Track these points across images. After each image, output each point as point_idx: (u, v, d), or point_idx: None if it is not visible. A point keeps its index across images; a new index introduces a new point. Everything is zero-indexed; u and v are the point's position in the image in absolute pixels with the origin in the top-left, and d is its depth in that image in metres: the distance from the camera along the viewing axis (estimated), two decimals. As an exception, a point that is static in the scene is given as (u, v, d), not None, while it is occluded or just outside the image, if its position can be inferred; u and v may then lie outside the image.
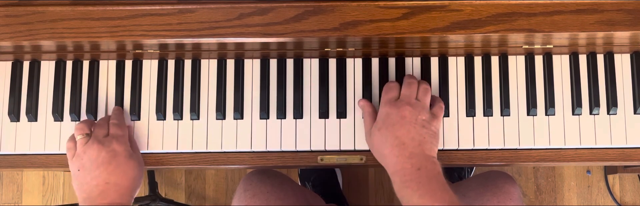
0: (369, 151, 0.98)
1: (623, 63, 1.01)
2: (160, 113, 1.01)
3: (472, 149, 1.00)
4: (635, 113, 0.99)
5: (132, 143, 0.99)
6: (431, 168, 0.85)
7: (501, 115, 1.00)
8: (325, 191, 1.61)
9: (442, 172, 0.87)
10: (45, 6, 0.90)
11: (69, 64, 1.03)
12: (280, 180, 1.08)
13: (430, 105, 0.95)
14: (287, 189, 1.06)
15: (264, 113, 1.00)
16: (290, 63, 1.02)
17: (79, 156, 0.93)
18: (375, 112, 0.95)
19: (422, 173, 0.84)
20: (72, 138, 0.96)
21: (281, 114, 1.00)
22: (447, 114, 1.00)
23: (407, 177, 0.84)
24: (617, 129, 0.99)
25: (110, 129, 0.95)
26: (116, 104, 1.01)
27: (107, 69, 1.03)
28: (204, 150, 1.00)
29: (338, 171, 1.71)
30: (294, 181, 1.13)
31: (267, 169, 1.12)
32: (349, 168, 1.72)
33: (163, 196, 1.65)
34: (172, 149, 1.00)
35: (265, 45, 0.96)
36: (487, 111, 1.00)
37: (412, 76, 0.97)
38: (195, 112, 1.00)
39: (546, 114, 1.00)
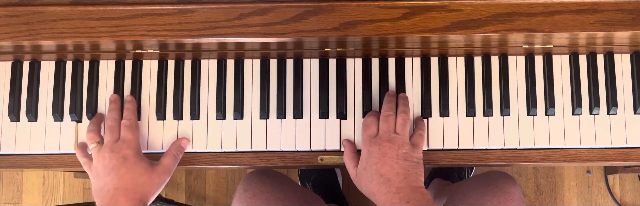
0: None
1: (623, 63, 1.01)
2: (160, 113, 1.01)
3: (472, 149, 1.00)
4: (635, 113, 0.99)
5: (173, 146, 0.98)
6: (419, 198, 0.87)
7: (501, 115, 1.00)
8: (325, 191, 1.61)
9: (432, 200, 0.88)
10: (45, 6, 0.90)
11: (69, 64, 1.03)
12: (280, 179, 1.08)
13: (412, 134, 0.96)
14: (287, 189, 1.06)
15: (264, 113, 1.00)
16: (290, 63, 1.02)
17: (93, 165, 0.94)
18: (354, 152, 0.96)
19: (412, 205, 0.86)
20: (82, 152, 0.97)
21: (281, 114, 1.00)
22: (447, 114, 1.00)
23: None
24: (617, 129, 0.99)
25: (122, 133, 0.95)
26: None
27: (107, 69, 1.03)
28: (204, 150, 1.00)
29: (338, 171, 1.71)
30: (294, 181, 1.13)
31: (267, 169, 1.12)
32: (349, 168, 1.72)
33: (163, 196, 1.65)
34: (172, 149, 1.00)
35: (265, 45, 0.96)
36: (487, 111, 1.00)
37: (390, 106, 0.96)
38: (195, 112, 1.00)
39: (546, 114, 1.00)
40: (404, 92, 1.00)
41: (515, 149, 1.00)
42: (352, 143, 0.98)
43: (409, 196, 0.86)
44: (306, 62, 1.02)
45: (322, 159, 1.00)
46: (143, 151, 1.00)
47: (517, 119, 1.00)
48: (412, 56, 1.02)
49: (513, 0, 0.88)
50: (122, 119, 0.98)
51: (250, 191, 1.04)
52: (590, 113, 0.99)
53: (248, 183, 1.06)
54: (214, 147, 1.00)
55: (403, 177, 0.88)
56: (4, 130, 1.02)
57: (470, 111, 1.00)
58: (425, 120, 0.99)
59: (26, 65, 1.03)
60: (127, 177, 0.91)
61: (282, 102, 1.01)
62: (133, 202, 0.90)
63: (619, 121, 0.99)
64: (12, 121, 1.02)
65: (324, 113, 1.00)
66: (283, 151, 1.01)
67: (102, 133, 0.98)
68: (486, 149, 1.00)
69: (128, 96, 1.01)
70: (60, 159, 1.01)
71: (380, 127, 0.94)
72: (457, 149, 1.00)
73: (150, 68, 1.03)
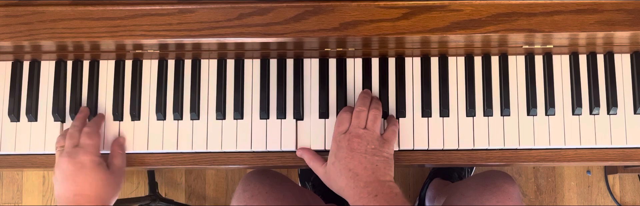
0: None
1: (623, 63, 1.01)
2: (160, 113, 1.01)
3: (472, 149, 1.00)
4: (635, 113, 0.99)
5: (114, 146, 0.99)
6: (387, 191, 0.87)
7: (501, 115, 1.00)
8: (325, 191, 1.61)
9: (401, 193, 0.89)
10: (45, 6, 0.90)
11: (69, 64, 1.03)
12: (279, 180, 1.08)
13: (385, 129, 0.96)
14: (286, 189, 1.06)
15: (264, 113, 1.00)
16: (290, 63, 1.02)
17: (55, 169, 0.95)
18: (315, 155, 0.97)
19: (380, 198, 0.86)
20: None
21: (281, 114, 1.00)
22: (447, 114, 1.00)
23: (366, 205, 0.86)
24: (617, 129, 0.99)
25: (80, 139, 0.96)
26: (116, 104, 1.01)
27: (107, 69, 1.03)
28: (204, 150, 1.00)
29: (338, 171, 1.70)
30: (293, 182, 1.13)
31: (266, 169, 1.12)
32: (349, 168, 1.72)
33: (163, 196, 1.65)
34: (172, 149, 1.00)
35: (265, 45, 0.96)
36: (487, 111, 1.00)
37: (363, 102, 0.96)
38: (195, 112, 1.00)
39: (546, 114, 1.00)
40: (404, 92, 1.00)
41: (515, 149, 1.00)
42: (307, 148, 0.98)
43: (377, 190, 0.87)
44: (306, 62, 1.02)
45: (322, 159, 1.00)
46: (142, 152, 1.00)
47: (517, 119, 1.00)
48: (412, 56, 1.02)
49: (513, 0, 0.88)
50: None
51: (249, 192, 1.04)
52: (590, 113, 0.99)
53: (247, 184, 1.06)
54: (214, 147, 1.00)
55: (371, 172, 0.89)
56: (4, 130, 1.02)
57: (470, 111, 1.00)
58: (397, 118, 0.99)
59: (26, 65, 1.03)
60: (85, 183, 0.92)
61: (282, 102, 1.01)
62: None
63: (619, 121, 0.99)
64: (12, 121, 1.02)
65: (324, 113, 1.00)
66: (283, 151, 1.01)
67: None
68: (486, 149, 1.00)
69: (99, 113, 1.01)
70: (60, 159, 1.01)
71: (351, 122, 0.94)
72: (457, 149, 1.00)
73: (150, 68, 1.03)
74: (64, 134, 0.98)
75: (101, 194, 0.93)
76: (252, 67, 1.02)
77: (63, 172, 0.92)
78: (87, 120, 1.00)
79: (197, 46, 0.96)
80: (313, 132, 1.00)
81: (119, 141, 1.00)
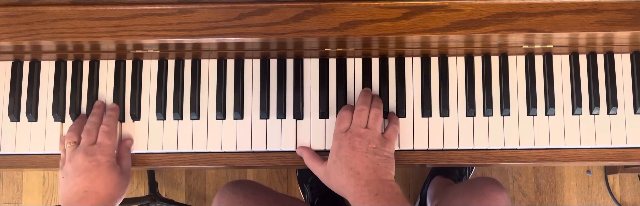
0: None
1: (623, 63, 1.01)
2: (160, 113, 1.01)
3: (472, 149, 1.00)
4: (635, 113, 0.99)
5: (122, 148, 0.98)
6: (389, 191, 0.87)
7: (501, 115, 1.00)
8: (323, 193, 1.61)
9: (401, 193, 0.89)
10: (45, 6, 0.90)
11: (69, 64, 1.03)
12: (252, 190, 1.08)
13: (386, 128, 0.96)
14: (260, 199, 1.06)
15: (264, 113, 1.00)
16: (290, 63, 1.02)
17: (65, 164, 0.95)
18: (314, 154, 0.97)
19: (381, 197, 0.86)
20: (63, 147, 0.98)
21: (281, 114, 1.00)
22: (447, 114, 1.00)
23: (367, 204, 0.86)
24: (617, 129, 0.99)
25: (99, 137, 0.96)
26: (116, 104, 1.01)
27: (107, 69, 1.03)
28: (204, 150, 1.00)
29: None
30: (270, 190, 1.12)
31: (241, 180, 1.12)
32: (349, 168, 1.72)
33: (163, 196, 1.65)
34: (172, 149, 1.00)
35: (265, 45, 0.96)
36: (487, 111, 1.00)
37: (364, 101, 0.96)
38: (195, 112, 1.00)
39: (546, 114, 1.00)
40: (404, 92, 1.00)
41: (515, 149, 1.00)
42: (307, 147, 0.98)
43: (378, 188, 0.87)
44: (306, 62, 1.02)
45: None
46: (142, 151, 1.00)
47: (517, 119, 1.00)
48: (412, 55, 1.02)
49: (513, 0, 0.88)
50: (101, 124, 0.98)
51: (223, 204, 1.04)
52: (590, 113, 0.99)
53: (221, 196, 1.06)
54: (214, 147, 1.00)
55: (372, 170, 0.89)
56: (4, 130, 1.02)
57: (470, 111, 1.00)
58: (399, 117, 1.00)
59: (26, 65, 1.03)
60: (98, 181, 0.92)
61: (282, 102, 1.01)
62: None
63: (619, 121, 0.99)
64: (12, 121, 1.02)
65: (324, 113, 1.00)
66: (283, 151, 1.01)
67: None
68: (486, 149, 1.00)
69: (112, 104, 1.01)
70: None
71: (353, 121, 0.94)
72: (457, 149, 1.00)
73: (150, 68, 1.03)
74: (73, 129, 0.97)
75: (112, 194, 0.93)
76: (252, 67, 1.02)
77: (77, 168, 0.92)
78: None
79: (197, 46, 0.96)
80: (313, 132, 1.00)
81: (126, 144, 0.99)
